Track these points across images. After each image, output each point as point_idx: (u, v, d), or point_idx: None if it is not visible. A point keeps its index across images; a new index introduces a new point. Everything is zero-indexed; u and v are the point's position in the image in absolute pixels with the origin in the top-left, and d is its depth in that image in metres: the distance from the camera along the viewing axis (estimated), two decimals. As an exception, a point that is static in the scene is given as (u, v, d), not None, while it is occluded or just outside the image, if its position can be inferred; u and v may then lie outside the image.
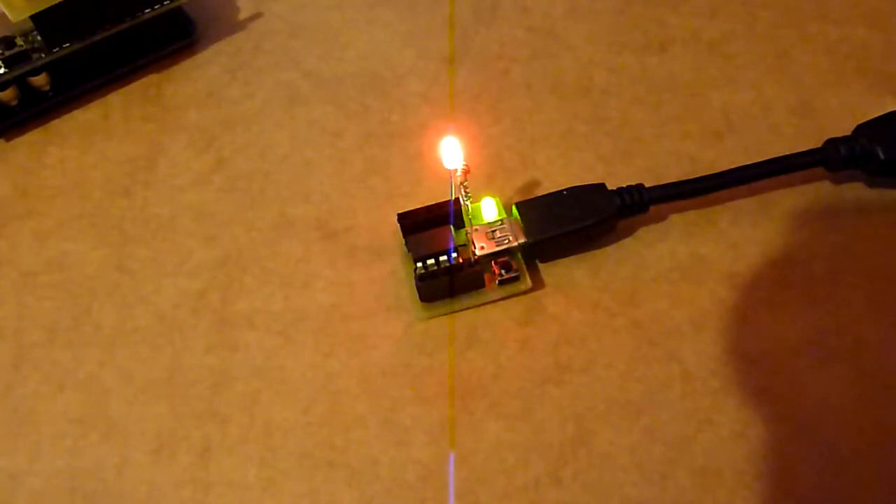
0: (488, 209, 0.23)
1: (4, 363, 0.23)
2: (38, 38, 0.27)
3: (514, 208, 0.23)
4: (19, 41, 0.28)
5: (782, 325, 0.21)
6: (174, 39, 0.29)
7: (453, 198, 0.23)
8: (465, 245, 0.23)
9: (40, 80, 0.27)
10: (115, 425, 0.22)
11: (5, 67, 0.27)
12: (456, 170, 0.22)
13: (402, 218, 0.23)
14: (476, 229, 0.23)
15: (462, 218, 0.22)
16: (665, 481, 0.20)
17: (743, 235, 0.23)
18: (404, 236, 0.23)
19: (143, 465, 0.21)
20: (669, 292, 0.22)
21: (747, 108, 0.26)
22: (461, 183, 0.22)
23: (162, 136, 0.28)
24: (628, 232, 0.23)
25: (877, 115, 0.23)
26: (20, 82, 0.27)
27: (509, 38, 0.29)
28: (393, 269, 0.24)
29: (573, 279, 0.23)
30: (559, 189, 0.23)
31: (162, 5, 0.28)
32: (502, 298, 0.23)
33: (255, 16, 0.30)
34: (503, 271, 0.22)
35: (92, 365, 0.23)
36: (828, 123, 0.25)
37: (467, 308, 0.22)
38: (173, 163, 0.27)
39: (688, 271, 0.23)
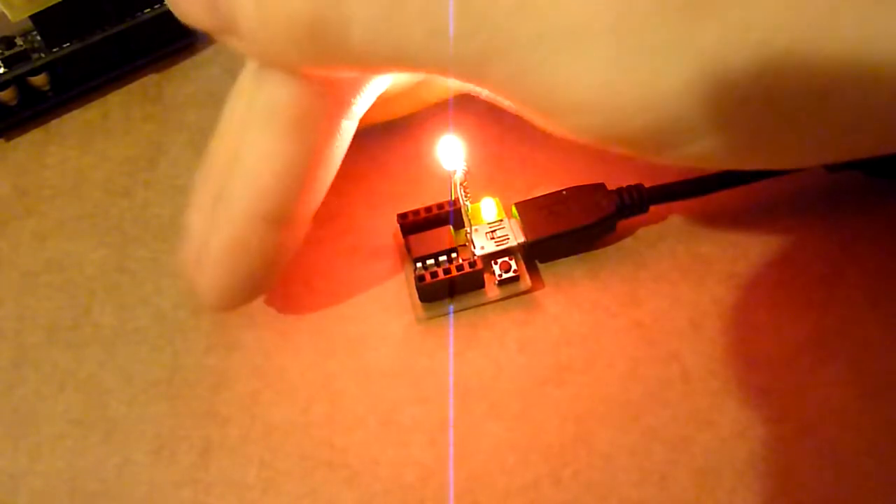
0: (488, 209, 0.23)
1: (4, 363, 0.23)
2: (38, 38, 0.27)
3: (513, 208, 0.23)
4: (19, 41, 0.28)
5: (782, 325, 0.21)
6: (174, 39, 0.29)
7: (453, 198, 0.23)
8: (465, 245, 0.23)
9: (40, 80, 0.27)
10: (115, 425, 0.22)
11: (5, 67, 0.27)
12: (456, 170, 0.22)
13: (402, 218, 0.23)
14: (476, 229, 0.23)
15: (462, 218, 0.22)
16: (665, 481, 0.20)
17: (743, 235, 0.23)
18: (404, 236, 0.23)
19: (143, 466, 0.21)
20: (669, 292, 0.22)
21: (747, 108, 0.26)
22: (461, 183, 0.22)
23: (162, 136, 0.27)
24: (628, 232, 0.23)
25: (877, 114, 0.23)
26: (20, 82, 0.27)
27: (509, 38, 0.29)
28: (393, 269, 0.24)
29: (573, 279, 0.23)
30: (559, 189, 0.23)
31: (162, 5, 0.28)
32: (502, 298, 0.23)
33: (255, 16, 0.30)
34: (503, 271, 0.22)
35: (92, 365, 0.23)
36: (828, 123, 0.25)
37: (467, 308, 0.22)
38: (173, 163, 0.27)
39: (688, 271, 0.23)
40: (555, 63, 0.15)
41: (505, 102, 0.17)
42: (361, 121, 0.21)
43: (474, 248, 0.22)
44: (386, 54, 0.16)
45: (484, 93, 0.18)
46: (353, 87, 0.20)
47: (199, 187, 0.21)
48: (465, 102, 0.27)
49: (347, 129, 0.20)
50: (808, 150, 0.16)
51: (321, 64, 0.17)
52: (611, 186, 0.23)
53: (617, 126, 0.15)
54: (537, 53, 0.15)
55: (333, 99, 0.19)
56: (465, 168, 0.22)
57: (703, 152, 0.16)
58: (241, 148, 0.19)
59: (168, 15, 0.28)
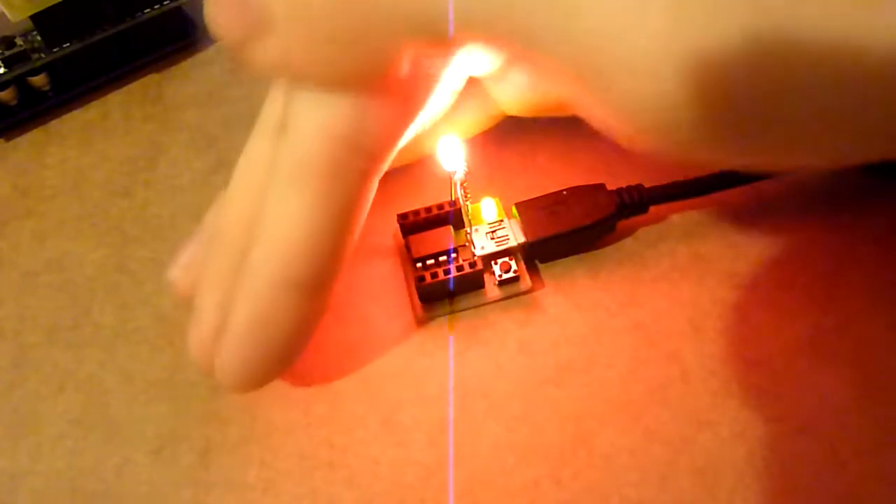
0: (488, 209, 0.23)
1: (4, 363, 0.23)
2: (38, 38, 0.27)
3: (513, 208, 0.23)
4: (19, 41, 0.28)
5: (782, 325, 0.21)
6: (174, 39, 0.29)
7: (453, 198, 0.23)
8: (465, 245, 0.23)
9: (40, 80, 0.28)
10: (115, 426, 0.22)
11: (5, 67, 0.27)
12: (456, 170, 0.22)
13: (402, 218, 0.23)
14: (476, 229, 0.23)
15: (462, 218, 0.22)
16: (665, 481, 0.20)
17: (743, 235, 0.23)
18: (404, 236, 0.23)
19: (143, 466, 0.21)
20: (669, 292, 0.22)
21: (747, 108, 0.26)
22: (461, 183, 0.22)
23: (162, 136, 0.28)
24: (628, 232, 0.23)
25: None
26: (20, 82, 0.27)
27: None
28: (393, 269, 0.24)
29: (573, 279, 0.23)
30: (559, 189, 0.23)
31: (162, 5, 0.28)
32: (502, 299, 0.23)
33: (255, 15, 0.30)
34: (503, 272, 0.22)
35: (92, 365, 0.23)
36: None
37: (467, 308, 0.22)
38: (173, 163, 0.27)
39: (688, 271, 0.23)
40: (603, 14, 0.13)
41: (552, 83, 0.15)
42: None
43: (474, 248, 0.22)
44: (420, 20, 0.15)
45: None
46: (387, 140, 0.19)
47: (210, 264, 0.20)
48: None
49: (376, 184, 0.19)
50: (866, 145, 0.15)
51: (356, 49, 0.16)
52: (611, 186, 0.23)
53: (671, 96, 0.13)
54: (584, 3, 0.13)
55: (366, 153, 0.18)
56: (465, 168, 0.22)
57: (769, 143, 0.14)
58: (265, 212, 0.18)
59: (168, 15, 0.28)
